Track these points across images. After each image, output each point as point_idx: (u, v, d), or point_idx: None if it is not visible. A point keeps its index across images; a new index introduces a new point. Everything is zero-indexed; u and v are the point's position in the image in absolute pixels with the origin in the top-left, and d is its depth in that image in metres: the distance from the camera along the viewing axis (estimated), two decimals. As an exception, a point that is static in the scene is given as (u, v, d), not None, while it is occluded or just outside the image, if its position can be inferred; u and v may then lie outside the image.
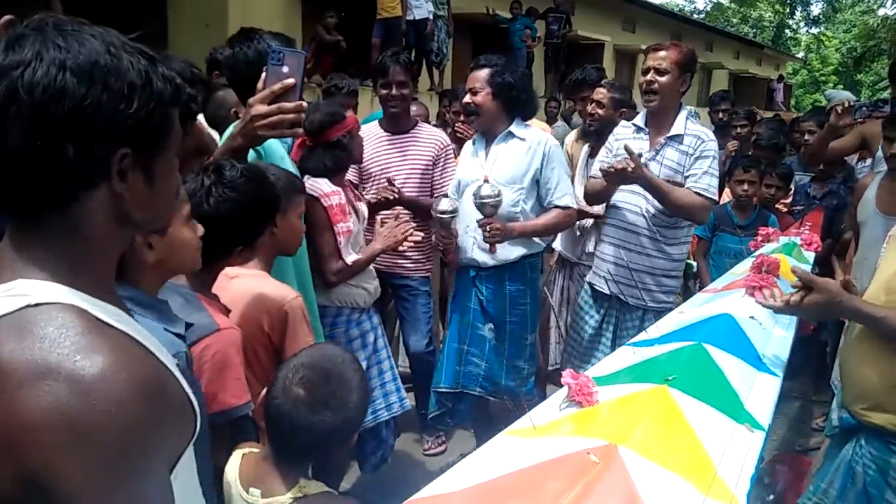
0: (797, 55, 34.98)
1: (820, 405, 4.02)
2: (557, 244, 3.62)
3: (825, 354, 4.10)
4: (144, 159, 0.79)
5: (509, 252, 2.84)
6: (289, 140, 2.31)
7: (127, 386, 0.70)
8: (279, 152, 2.15)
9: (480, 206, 2.68)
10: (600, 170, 2.82)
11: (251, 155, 1.98)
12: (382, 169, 3.14)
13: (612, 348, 3.02)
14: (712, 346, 1.77)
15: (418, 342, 3.21)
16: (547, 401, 1.56)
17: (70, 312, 0.73)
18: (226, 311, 1.68)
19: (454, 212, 2.75)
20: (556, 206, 2.85)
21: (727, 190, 4.33)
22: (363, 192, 3.10)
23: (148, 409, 0.72)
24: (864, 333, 1.70)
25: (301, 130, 1.59)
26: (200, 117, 2.35)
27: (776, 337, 1.98)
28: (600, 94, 3.67)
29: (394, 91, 3.09)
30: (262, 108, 1.53)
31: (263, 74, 1.56)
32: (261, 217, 1.66)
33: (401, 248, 2.78)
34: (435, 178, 3.21)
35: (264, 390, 1.39)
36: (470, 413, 3.07)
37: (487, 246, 2.76)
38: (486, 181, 2.70)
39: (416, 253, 3.19)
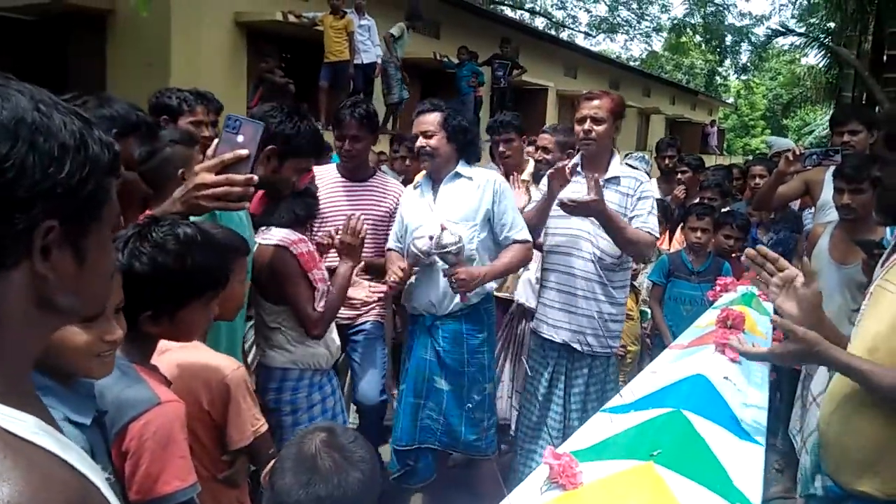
0: (728, 101, 36.62)
1: (774, 449, 3.99)
2: (518, 294, 3.53)
3: (775, 398, 4.10)
4: (74, 234, 0.67)
5: (472, 297, 2.77)
6: None
7: None
8: (235, 214, 2.01)
9: (443, 256, 2.61)
10: (560, 202, 2.79)
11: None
12: (336, 214, 3.02)
13: (565, 399, 2.99)
14: (692, 413, 1.69)
15: (371, 391, 3.04)
16: (525, 481, 1.44)
17: None
18: (167, 382, 1.52)
19: (428, 254, 2.64)
20: (515, 241, 2.84)
21: (679, 236, 4.36)
22: (312, 236, 2.95)
23: None
24: (843, 398, 1.65)
25: (248, 205, 1.45)
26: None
27: (752, 399, 1.91)
28: (544, 139, 3.79)
29: (347, 145, 3.03)
30: (209, 178, 1.42)
31: (216, 141, 1.46)
32: (184, 286, 1.46)
33: (370, 300, 2.75)
34: (389, 228, 3.10)
35: (270, 464, 1.25)
36: (433, 469, 2.92)
37: (441, 292, 2.70)
38: (443, 229, 2.61)
39: (372, 299, 3.04)
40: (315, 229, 3.00)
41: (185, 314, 1.48)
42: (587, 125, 2.90)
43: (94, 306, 0.77)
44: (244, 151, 1.43)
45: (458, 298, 2.72)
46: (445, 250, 2.58)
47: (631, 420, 1.70)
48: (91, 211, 0.69)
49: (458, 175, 2.85)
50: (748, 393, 1.94)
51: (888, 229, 2.67)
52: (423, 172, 3.07)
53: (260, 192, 2.34)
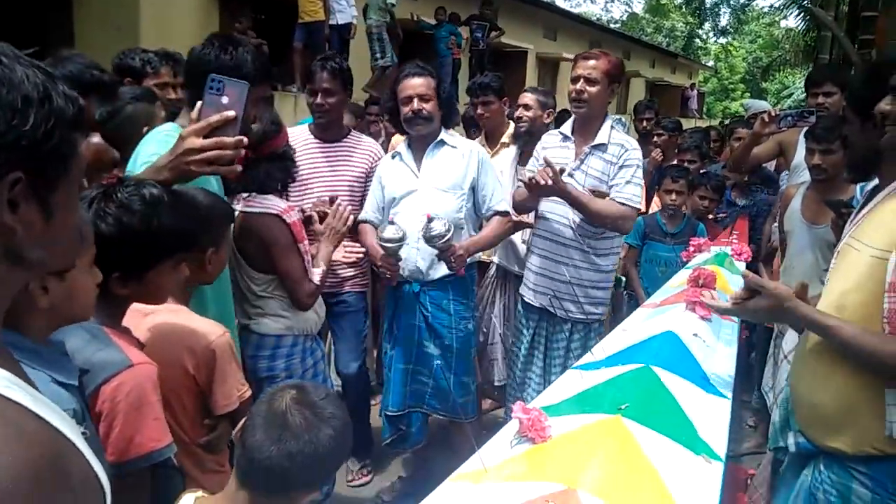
0: (708, 64, 36.55)
1: (748, 406, 4.08)
2: (496, 256, 3.54)
3: (748, 354, 4.18)
4: (41, 188, 0.67)
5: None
6: None
7: (11, 470, 0.57)
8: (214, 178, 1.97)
9: (432, 245, 2.56)
10: (520, 180, 2.79)
11: None
12: (311, 177, 2.96)
13: (545, 362, 3.01)
14: (660, 369, 1.72)
15: (352, 363, 3.09)
16: (497, 436, 1.46)
17: None
18: (139, 344, 1.50)
19: (401, 240, 2.56)
20: (497, 213, 2.82)
21: (656, 199, 4.38)
22: (304, 189, 2.94)
23: (40, 496, 0.59)
24: (814, 355, 1.68)
25: (240, 168, 1.42)
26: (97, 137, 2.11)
27: (720, 354, 1.95)
28: (526, 98, 3.71)
29: (318, 99, 2.91)
30: (197, 142, 1.37)
31: (199, 104, 1.41)
32: (150, 247, 1.43)
33: (341, 262, 2.69)
34: (366, 191, 3.06)
35: (241, 422, 1.24)
36: (424, 433, 2.96)
37: (426, 262, 2.71)
38: (430, 219, 2.54)
39: (350, 268, 3.03)
40: (293, 193, 2.94)
41: (154, 276, 1.46)
42: (580, 85, 2.80)
43: (63, 260, 0.77)
44: (231, 113, 1.39)
45: (446, 265, 2.70)
46: (434, 243, 2.54)
47: (601, 376, 1.73)
48: (57, 164, 0.68)
49: (442, 143, 2.80)
50: (717, 349, 1.98)
51: (857, 189, 2.70)
52: (402, 139, 3.03)
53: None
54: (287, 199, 2.75)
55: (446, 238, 2.52)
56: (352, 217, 2.55)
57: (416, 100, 2.72)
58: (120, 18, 7.55)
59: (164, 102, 2.49)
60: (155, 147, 1.80)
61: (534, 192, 2.73)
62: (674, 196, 3.87)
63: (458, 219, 2.76)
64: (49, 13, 7.84)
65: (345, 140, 3.07)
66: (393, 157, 2.92)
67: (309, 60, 8.75)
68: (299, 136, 3.02)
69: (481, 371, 3.55)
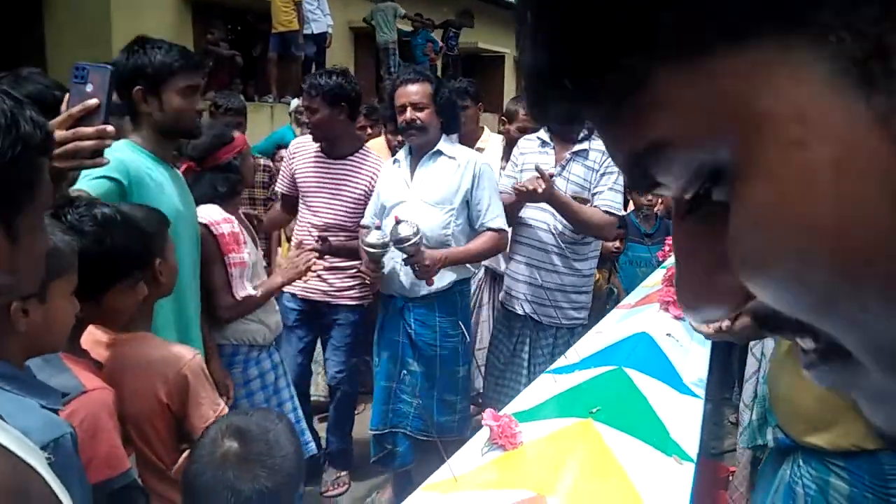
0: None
1: (728, 403, 4.10)
2: (486, 260, 3.50)
3: (729, 353, 4.19)
4: (7, 213, 0.67)
5: (439, 280, 2.64)
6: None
7: None
8: (151, 182, 1.94)
9: (401, 249, 2.48)
10: (512, 187, 2.76)
11: (107, 187, 1.76)
12: (312, 190, 2.93)
13: (528, 370, 2.97)
14: (633, 370, 1.72)
15: (337, 374, 3.07)
16: (467, 444, 1.44)
17: None
18: (95, 368, 1.47)
19: (385, 246, 2.50)
20: (489, 229, 2.68)
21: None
22: (304, 204, 2.95)
23: None
24: (794, 355, 1.68)
25: (106, 160, 1.33)
26: None
27: (694, 354, 1.95)
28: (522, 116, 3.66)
29: (305, 116, 2.91)
30: (59, 135, 1.25)
31: (66, 96, 1.32)
32: (105, 269, 1.40)
33: (311, 274, 2.61)
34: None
35: (184, 455, 1.21)
36: (412, 455, 2.83)
37: (412, 276, 2.60)
38: (398, 222, 2.47)
39: (343, 281, 2.98)
40: (302, 200, 2.96)
41: (111, 297, 1.43)
42: None
43: (28, 285, 0.77)
44: (93, 101, 1.29)
45: (428, 284, 2.61)
46: (403, 244, 2.44)
47: (574, 379, 1.72)
48: (23, 190, 0.68)
49: (438, 153, 2.67)
50: (691, 348, 1.98)
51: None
52: (376, 142, 3.00)
53: (185, 165, 2.26)
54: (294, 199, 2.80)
55: (411, 242, 2.43)
56: (315, 262, 2.51)
57: (409, 109, 2.61)
58: (92, 31, 7.49)
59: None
60: None
61: (522, 199, 2.70)
62: (650, 196, 3.88)
63: (444, 235, 2.64)
64: (21, 28, 7.76)
65: (352, 157, 2.96)
66: (394, 162, 2.83)
67: (284, 69, 8.76)
68: (306, 147, 2.98)
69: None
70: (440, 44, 11.79)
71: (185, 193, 2.12)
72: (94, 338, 1.58)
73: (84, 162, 1.31)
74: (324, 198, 2.93)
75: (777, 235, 0.24)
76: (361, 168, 2.96)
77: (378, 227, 2.58)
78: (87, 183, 1.75)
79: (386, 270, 2.65)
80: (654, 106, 0.26)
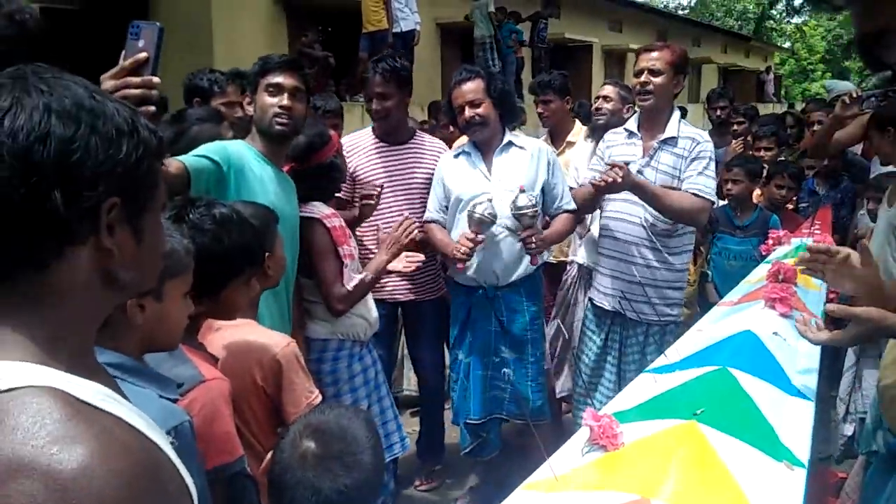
0: (784, 45, 35.02)
1: (836, 402, 3.88)
2: (578, 255, 3.47)
3: (838, 351, 3.97)
4: (133, 212, 0.73)
5: (528, 267, 2.78)
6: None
7: (111, 479, 0.61)
8: (252, 175, 2.07)
9: (519, 217, 2.62)
10: (591, 182, 2.73)
11: (204, 164, 1.88)
12: (380, 181, 2.90)
13: (618, 368, 2.95)
14: (738, 371, 1.65)
15: (430, 369, 3.16)
16: (568, 444, 1.44)
17: (47, 396, 0.63)
18: (213, 359, 1.56)
19: (493, 217, 2.60)
20: (566, 211, 2.87)
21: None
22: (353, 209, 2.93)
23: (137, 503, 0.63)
24: None
25: (153, 109, 1.38)
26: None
27: (802, 354, 1.86)
28: (607, 90, 3.69)
29: (374, 104, 2.87)
30: (108, 84, 1.34)
31: (123, 52, 1.40)
32: (223, 266, 1.49)
33: (408, 270, 2.67)
34: None
35: (269, 455, 1.27)
36: (499, 440, 2.98)
37: (501, 265, 2.71)
38: (521, 191, 2.63)
39: (425, 274, 3.03)
40: (353, 193, 2.94)
41: (228, 293, 1.52)
42: (644, 77, 2.77)
43: (150, 281, 0.82)
44: (143, 54, 1.37)
45: (522, 267, 2.75)
46: (522, 212, 2.59)
47: (675, 379, 1.68)
48: (146, 191, 0.74)
49: (510, 144, 2.79)
50: (799, 348, 1.89)
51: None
52: (464, 140, 3.02)
53: (287, 166, 2.34)
54: (353, 200, 2.82)
55: (529, 213, 2.58)
56: (416, 232, 2.56)
57: (466, 108, 2.71)
58: (194, 35, 7.87)
59: (232, 121, 2.58)
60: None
61: (602, 193, 2.69)
62: (730, 185, 3.72)
63: (532, 220, 2.72)
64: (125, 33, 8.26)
65: (411, 141, 3.02)
66: (456, 155, 2.87)
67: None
68: (362, 139, 3.01)
69: (559, 375, 3.51)
70: (524, 35, 11.69)
71: (289, 193, 2.23)
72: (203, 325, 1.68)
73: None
74: (396, 183, 2.94)
75: None
76: (426, 150, 3.02)
77: (524, 191, 2.64)
78: (187, 157, 1.90)
79: (473, 263, 2.71)
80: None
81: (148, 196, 0.75)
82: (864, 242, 1.64)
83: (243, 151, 2.11)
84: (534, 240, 2.63)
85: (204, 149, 1.99)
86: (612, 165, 2.58)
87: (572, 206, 2.88)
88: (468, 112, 2.71)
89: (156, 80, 1.38)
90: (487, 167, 2.78)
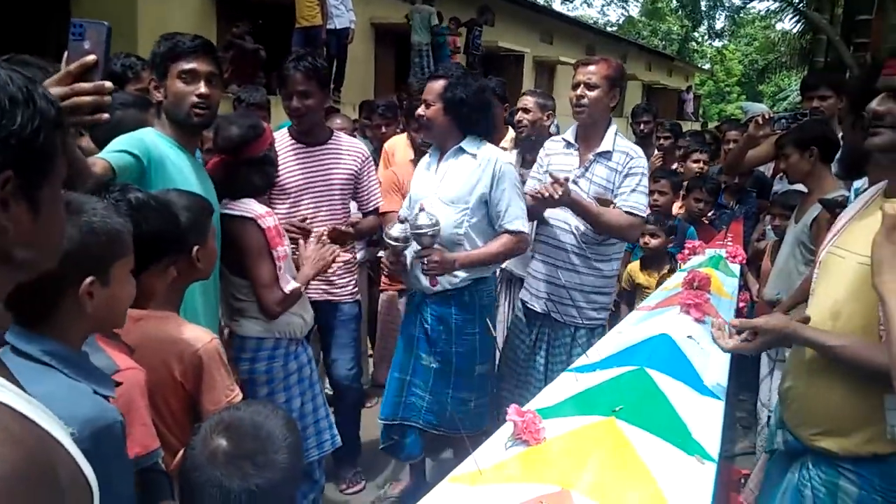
0: (704, 67, 36.63)
1: (741, 404, 4.09)
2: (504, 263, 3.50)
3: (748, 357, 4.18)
4: (28, 186, 0.69)
5: (452, 278, 2.66)
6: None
7: None
8: (171, 166, 1.99)
9: (417, 238, 2.54)
10: (528, 193, 2.76)
11: (126, 160, 1.81)
12: (298, 183, 2.86)
13: (546, 368, 2.98)
14: (655, 371, 1.73)
15: (347, 371, 3.07)
16: (491, 438, 1.47)
17: None
18: (128, 350, 1.51)
19: (407, 240, 2.55)
20: (507, 231, 2.64)
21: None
22: (286, 196, 2.88)
23: (26, 495, 0.60)
24: (807, 361, 1.70)
25: (106, 116, 1.31)
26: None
27: (715, 357, 1.96)
28: (526, 101, 3.72)
29: (295, 102, 2.76)
30: (55, 91, 1.24)
31: (66, 53, 1.31)
32: (138, 252, 1.39)
33: (329, 271, 2.62)
34: (358, 193, 3.02)
35: (181, 451, 1.24)
36: (419, 447, 2.86)
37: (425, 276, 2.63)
38: (421, 209, 2.55)
39: (342, 277, 3.02)
40: (277, 202, 2.86)
41: (143, 279, 1.47)
42: (580, 90, 2.80)
43: (49, 259, 0.78)
44: (91, 57, 1.28)
45: (450, 278, 2.64)
46: (420, 231, 2.51)
47: (595, 378, 1.74)
48: (43, 163, 0.70)
49: (461, 150, 2.66)
50: (711, 351, 1.99)
51: (851, 192, 2.72)
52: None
53: (219, 158, 2.27)
54: (272, 206, 2.72)
55: (426, 232, 2.50)
56: (338, 251, 2.55)
57: (422, 105, 2.69)
58: (118, 24, 7.56)
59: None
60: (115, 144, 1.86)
61: (541, 206, 2.71)
62: (656, 196, 3.86)
63: (457, 234, 2.63)
64: (47, 19, 7.86)
65: (329, 142, 2.95)
66: (431, 154, 2.84)
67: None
68: (281, 140, 2.87)
69: None
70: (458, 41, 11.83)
71: (205, 182, 2.15)
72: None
73: (84, 118, 1.30)
74: (314, 185, 2.90)
75: None
76: (344, 151, 2.97)
77: (402, 221, 2.60)
78: (109, 154, 1.80)
79: (408, 265, 2.68)
80: None
81: (46, 169, 0.71)
82: (807, 316, 1.75)
83: (157, 141, 2.00)
84: (427, 262, 2.54)
85: (120, 143, 1.87)
86: (554, 180, 2.59)
87: (516, 227, 2.63)
88: (420, 110, 2.69)
89: (108, 85, 1.29)
90: (437, 170, 2.74)
